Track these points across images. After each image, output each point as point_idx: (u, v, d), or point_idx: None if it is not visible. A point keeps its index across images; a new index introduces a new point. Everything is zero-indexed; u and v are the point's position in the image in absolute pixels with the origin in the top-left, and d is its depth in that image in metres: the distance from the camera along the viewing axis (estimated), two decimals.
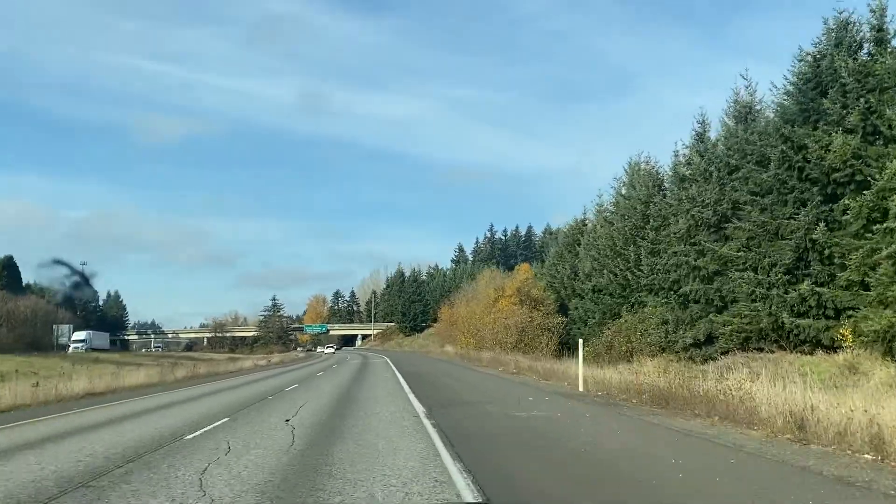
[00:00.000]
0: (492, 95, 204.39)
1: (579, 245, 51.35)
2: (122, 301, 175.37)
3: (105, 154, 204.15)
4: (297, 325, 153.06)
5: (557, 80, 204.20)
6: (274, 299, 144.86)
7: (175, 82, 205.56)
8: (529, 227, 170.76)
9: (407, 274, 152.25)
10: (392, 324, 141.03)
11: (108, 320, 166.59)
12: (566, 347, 44.60)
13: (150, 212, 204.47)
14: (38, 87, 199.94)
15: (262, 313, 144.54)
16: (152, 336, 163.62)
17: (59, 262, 22.58)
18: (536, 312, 45.87)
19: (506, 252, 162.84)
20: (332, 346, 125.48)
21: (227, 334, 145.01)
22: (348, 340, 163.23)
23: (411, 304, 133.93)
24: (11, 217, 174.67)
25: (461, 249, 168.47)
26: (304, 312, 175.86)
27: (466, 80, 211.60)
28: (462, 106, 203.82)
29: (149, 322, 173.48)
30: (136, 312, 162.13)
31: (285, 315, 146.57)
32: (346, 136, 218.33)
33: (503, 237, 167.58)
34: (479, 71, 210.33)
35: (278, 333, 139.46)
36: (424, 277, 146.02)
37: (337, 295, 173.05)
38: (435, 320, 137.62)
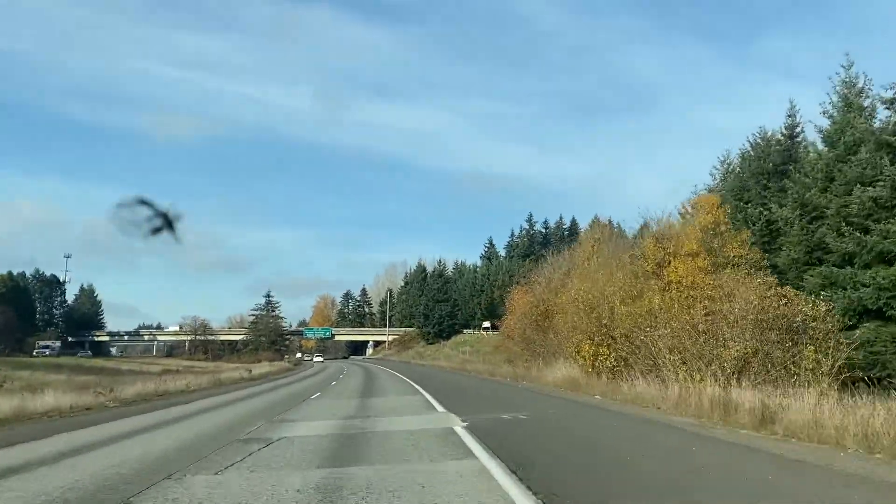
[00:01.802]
0: (512, 109, 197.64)
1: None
2: (96, 296, 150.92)
3: (122, 159, 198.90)
4: (295, 330, 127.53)
5: (579, 95, 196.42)
6: (268, 296, 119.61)
7: (195, 89, 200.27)
8: (574, 220, 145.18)
9: (430, 270, 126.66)
10: (411, 329, 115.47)
11: (77, 319, 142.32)
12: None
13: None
14: (61, 92, 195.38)
15: (254, 313, 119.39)
16: (126, 339, 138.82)
17: None
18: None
19: (547, 246, 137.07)
20: (321, 357, 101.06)
21: (211, 337, 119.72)
22: (357, 348, 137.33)
23: (435, 304, 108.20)
24: (29, 219, 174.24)
25: (491, 244, 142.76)
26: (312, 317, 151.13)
27: (486, 93, 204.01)
28: (481, 119, 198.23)
29: (154, 325, 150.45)
30: (146, 315, 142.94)
31: (281, 316, 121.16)
32: (364, 145, 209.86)
33: (543, 230, 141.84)
34: (499, 84, 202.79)
35: (272, 338, 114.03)
36: (451, 273, 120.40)
37: (347, 296, 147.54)
38: (465, 326, 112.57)
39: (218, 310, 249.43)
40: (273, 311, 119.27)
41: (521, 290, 39.77)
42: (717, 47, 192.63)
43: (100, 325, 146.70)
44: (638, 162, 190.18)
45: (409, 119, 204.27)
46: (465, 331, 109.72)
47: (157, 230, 2.56)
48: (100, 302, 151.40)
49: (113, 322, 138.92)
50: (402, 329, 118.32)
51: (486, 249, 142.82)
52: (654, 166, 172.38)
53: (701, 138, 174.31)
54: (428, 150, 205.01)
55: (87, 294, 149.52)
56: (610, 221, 45.67)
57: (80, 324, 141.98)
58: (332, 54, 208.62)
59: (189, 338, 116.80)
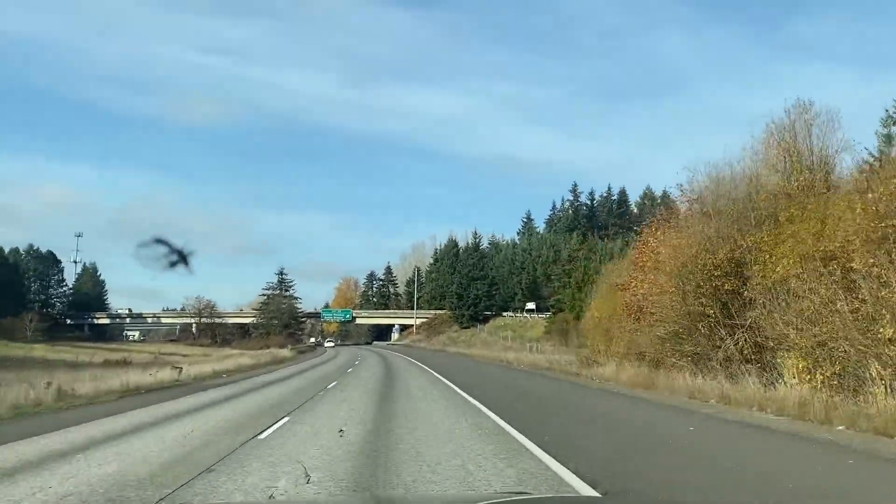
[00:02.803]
0: (540, 92, 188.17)
1: None
2: (99, 276, 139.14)
3: (149, 145, 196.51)
4: (312, 312, 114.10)
5: (609, 78, 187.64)
6: (281, 274, 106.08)
7: (222, 75, 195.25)
8: (623, 190, 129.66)
9: (462, 245, 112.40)
10: (442, 311, 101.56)
11: (77, 301, 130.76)
12: None
13: (193, 203, 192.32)
14: (91, 78, 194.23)
15: (265, 293, 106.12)
16: (128, 320, 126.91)
17: None
18: None
19: (593, 220, 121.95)
20: (332, 342, 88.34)
21: (218, 321, 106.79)
22: (381, 333, 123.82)
23: (470, 283, 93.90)
24: (57, 203, 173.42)
25: (529, 219, 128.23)
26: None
27: (514, 77, 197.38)
28: (509, 102, 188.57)
29: (178, 309, 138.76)
30: (173, 300, 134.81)
31: (296, 297, 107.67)
32: (391, 129, 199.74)
33: (589, 202, 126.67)
34: (528, 67, 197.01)
35: (284, 321, 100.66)
36: (487, 247, 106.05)
37: (371, 278, 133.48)
38: (503, 308, 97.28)
39: (247, 295, 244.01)
40: (287, 290, 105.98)
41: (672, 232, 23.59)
42: (749, 29, 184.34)
43: (103, 307, 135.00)
44: (667, 146, 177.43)
45: (437, 103, 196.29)
46: (504, 314, 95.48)
47: (173, 264, 3.01)
48: (103, 282, 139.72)
49: (137, 306, 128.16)
50: (432, 311, 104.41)
51: (524, 225, 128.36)
52: (683, 150, 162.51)
53: (731, 121, 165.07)
54: (456, 134, 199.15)
55: (90, 274, 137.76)
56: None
57: (82, 305, 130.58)
58: (359, 38, 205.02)
59: (188, 320, 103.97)
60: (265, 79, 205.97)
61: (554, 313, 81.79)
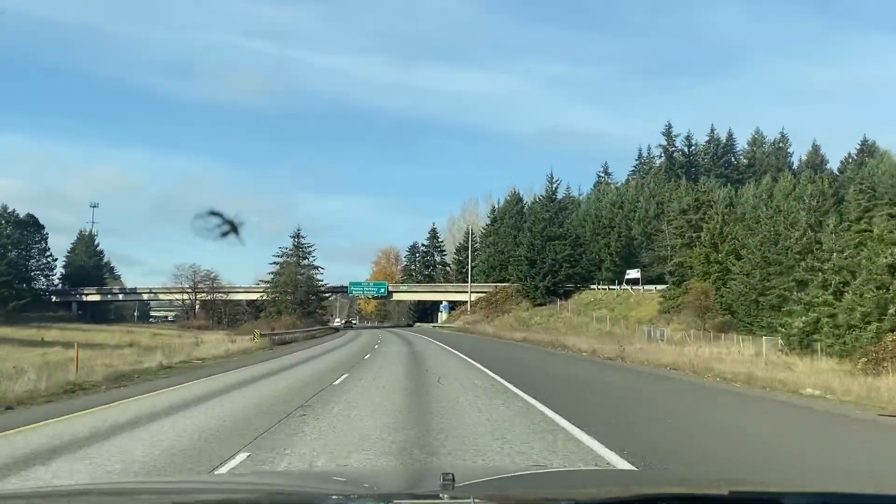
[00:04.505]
0: (586, 71, 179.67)
1: None
2: (97, 247, 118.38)
3: (198, 129, 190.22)
4: (337, 286, 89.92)
5: (657, 55, 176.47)
6: (297, 236, 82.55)
7: (271, 61, 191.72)
8: (731, 134, 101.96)
9: (528, 200, 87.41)
10: (505, 283, 76.95)
11: (71, 274, 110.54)
12: None
13: (238, 185, 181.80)
14: (142, 65, 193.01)
15: (277, 260, 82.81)
16: (120, 297, 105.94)
17: None
18: None
19: (691, 169, 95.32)
20: (353, 322, 65.92)
21: (221, 296, 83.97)
22: (424, 313, 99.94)
23: (546, 244, 68.62)
24: (109, 186, 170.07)
25: (606, 172, 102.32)
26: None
27: (560, 55, 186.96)
28: (556, 82, 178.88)
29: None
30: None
31: (316, 265, 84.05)
32: (436, 110, 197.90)
33: (687, 147, 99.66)
34: (574, 45, 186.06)
35: (300, 296, 77.13)
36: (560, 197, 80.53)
37: (413, 250, 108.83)
38: (586, 280, 71.59)
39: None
40: (305, 258, 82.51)
41: None
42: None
43: (101, 282, 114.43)
44: (723, 121, 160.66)
45: (481, 82, 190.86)
46: (590, 286, 70.44)
47: (225, 234, 3.14)
48: (101, 253, 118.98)
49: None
50: (490, 285, 79.80)
51: (600, 178, 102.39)
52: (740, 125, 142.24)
53: (791, 95, 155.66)
54: (500, 114, 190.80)
55: (86, 243, 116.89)
56: None
57: (76, 280, 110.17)
58: (402, 18, 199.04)
59: (178, 296, 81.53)
60: (310, 61, 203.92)
61: (675, 283, 56.43)
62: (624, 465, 7.18)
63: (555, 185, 72.54)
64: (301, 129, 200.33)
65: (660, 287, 61.77)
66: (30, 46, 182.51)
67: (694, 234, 57.56)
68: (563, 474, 4.21)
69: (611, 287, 67.70)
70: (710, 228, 54.41)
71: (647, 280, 64.89)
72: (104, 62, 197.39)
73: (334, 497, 2.47)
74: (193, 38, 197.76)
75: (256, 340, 32.24)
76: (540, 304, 68.47)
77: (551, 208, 71.17)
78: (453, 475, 2.31)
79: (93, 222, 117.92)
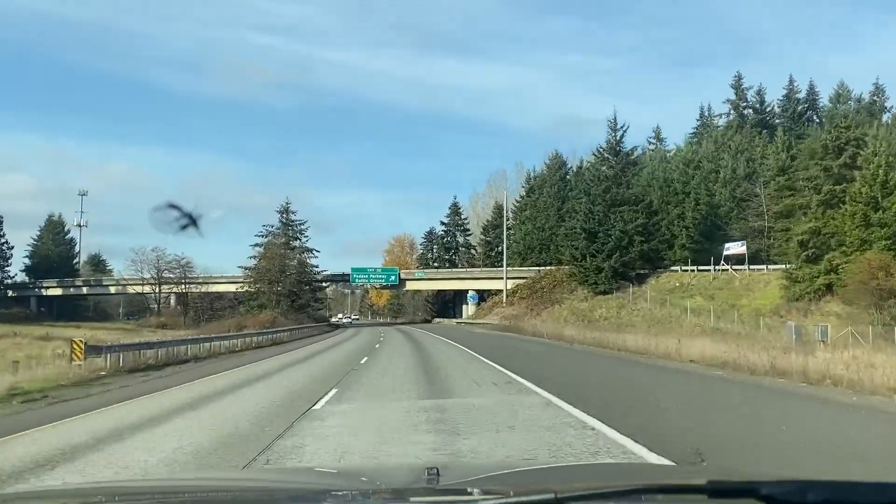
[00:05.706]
0: (604, 62, 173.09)
1: None
2: (67, 234, 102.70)
3: (211, 125, 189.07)
4: (337, 274, 73.12)
5: (674, 45, 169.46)
6: (286, 210, 66.18)
7: (284, 57, 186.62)
8: (812, 86, 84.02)
9: (572, 164, 70.66)
10: (549, 266, 60.11)
11: (35, 266, 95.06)
12: None
13: (249, 180, 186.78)
14: (157, 61, 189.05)
15: (260, 241, 66.34)
16: (84, 289, 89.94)
17: None
18: None
19: (766, 127, 77.81)
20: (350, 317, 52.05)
21: (194, 288, 67.47)
22: (445, 305, 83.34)
23: (609, 210, 51.52)
24: (126, 179, 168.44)
25: (658, 138, 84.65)
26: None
27: (577, 47, 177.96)
28: (572, 73, 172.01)
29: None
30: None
31: (309, 248, 67.60)
32: (449, 105, 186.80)
33: (758, 98, 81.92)
34: (591, 36, 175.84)
35: (289, 286, 60.45)
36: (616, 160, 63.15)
37: (430, 236, 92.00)
38: (654, 261, 53.12)
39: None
40: (296, 238, 65.96)
41: None
42: None
43: (74, 274, 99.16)
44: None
45: (495, 75, 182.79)
46: (669, 268, 53.43)
47: (184, 227, 2.96)
48: (71, 241, 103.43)
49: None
50: (531, 268, 62.92)
51: (651, 142, 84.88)
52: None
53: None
54: (515, 108, 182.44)
55: (53, 230, 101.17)
56: None
57: (41, 272, 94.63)
58: (415, 11, 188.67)
59: (141, 288, 65.18)
60: (322, 56, 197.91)
61: (810, 258, 39.31)
62: None
63: (619, 134, 54.74)
64: (313, 124, 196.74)
65: (773, 267, 44.81)
66: (36, 41, 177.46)
67: (835, 188, 40.41)
68: (551, 470, 4.07)
69: (699, 269, 50.63)
70: (868, 176, 37.36)
71: (743, 260, 47.86)
72: (118, 58, 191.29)
73: (314, 492, 2.42)
74: (204, 34, 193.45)
75: (78, 358, 15.61)
76: (602, 293, 51.42)
77: (616, 164, 53.65)
78: (437, 469, 2.29)
79: (81, 211, 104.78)
